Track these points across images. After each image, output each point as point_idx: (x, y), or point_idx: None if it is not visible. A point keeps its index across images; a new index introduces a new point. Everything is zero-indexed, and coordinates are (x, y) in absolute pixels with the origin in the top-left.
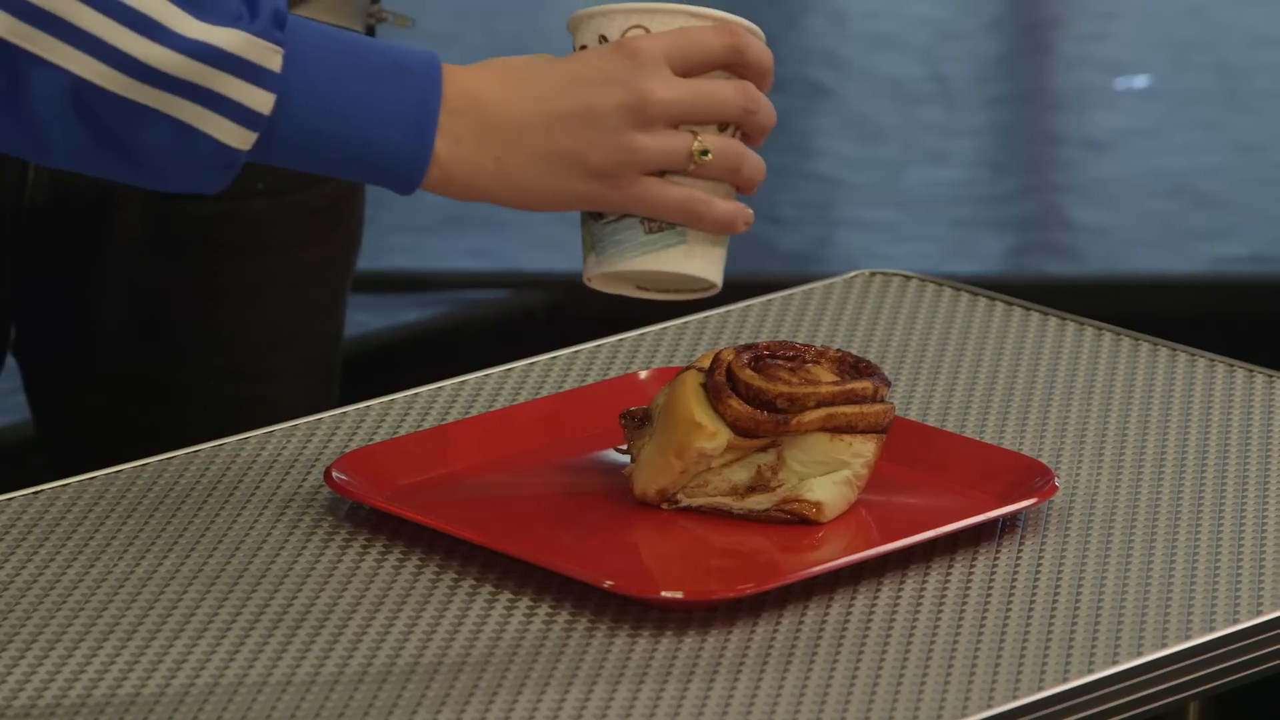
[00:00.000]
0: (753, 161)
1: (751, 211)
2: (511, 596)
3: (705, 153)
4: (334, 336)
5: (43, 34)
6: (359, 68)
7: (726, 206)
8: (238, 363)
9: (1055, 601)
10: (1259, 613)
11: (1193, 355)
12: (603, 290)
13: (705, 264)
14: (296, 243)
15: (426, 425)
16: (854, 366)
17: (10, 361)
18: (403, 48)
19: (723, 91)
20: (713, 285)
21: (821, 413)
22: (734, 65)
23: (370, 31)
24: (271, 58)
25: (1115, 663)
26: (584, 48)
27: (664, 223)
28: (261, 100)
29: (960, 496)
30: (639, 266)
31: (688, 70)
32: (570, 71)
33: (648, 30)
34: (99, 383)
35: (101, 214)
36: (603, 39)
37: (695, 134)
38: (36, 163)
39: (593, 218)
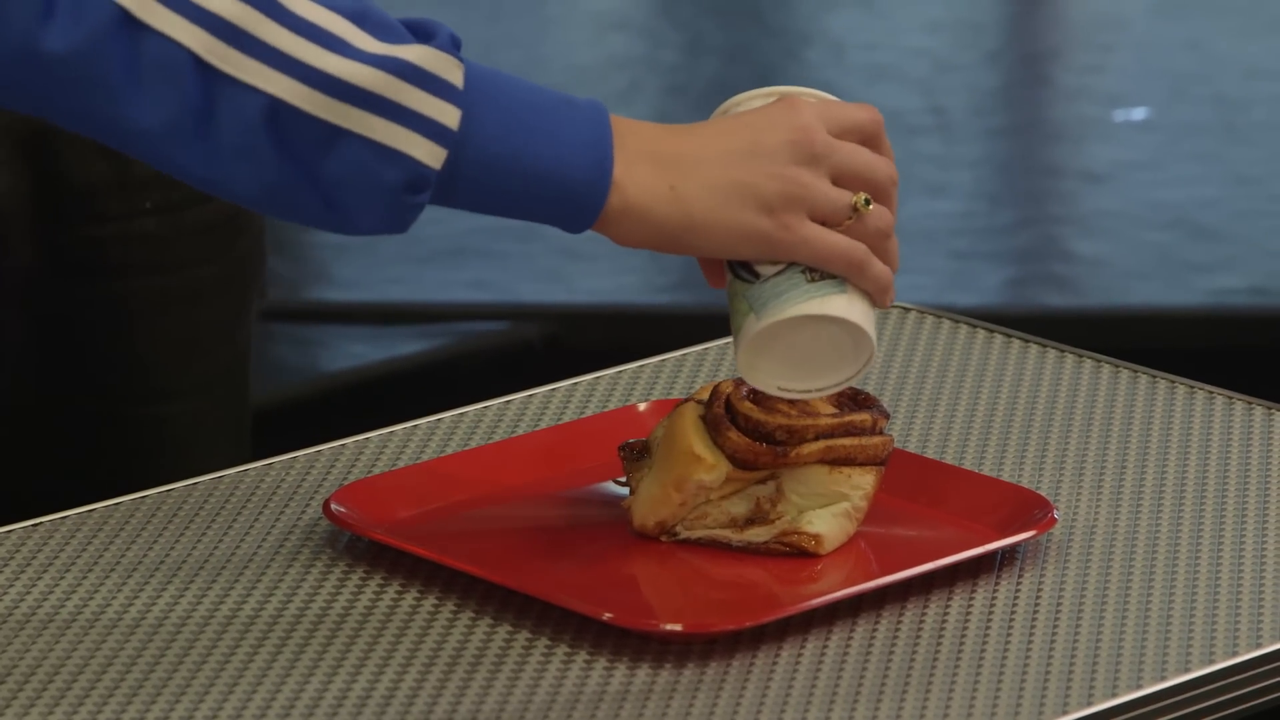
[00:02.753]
0: (895, 241)
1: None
2: (510, 629)
3: (868, 202)
4: (242, 353)
5: (238, 53)
6: (531, 98)
7: (883, 267)
8: (145, 384)
9: (1054, 634)
10: (1258, 645)
11: (1191, 387)
12: (750, 379)
13: (865, 318)
14: (193, 260)
15: (425, 457)
16: (853, 399)
17: None
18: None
19: (873, 157)
20: (869, 349)
21: (820, 445)
22: (875, 139)
23: None
24: (454, 72)
25: (1114, 695)
26: None
27: (825, 274)
28: (449, 114)
29: (959, 529)
30: (803, 311)
31: (837, 135)
32: (733, 120)
33: None
34: (8, 411)
35: None
36: None
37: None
38: (228, 199)
39: (748, 281)
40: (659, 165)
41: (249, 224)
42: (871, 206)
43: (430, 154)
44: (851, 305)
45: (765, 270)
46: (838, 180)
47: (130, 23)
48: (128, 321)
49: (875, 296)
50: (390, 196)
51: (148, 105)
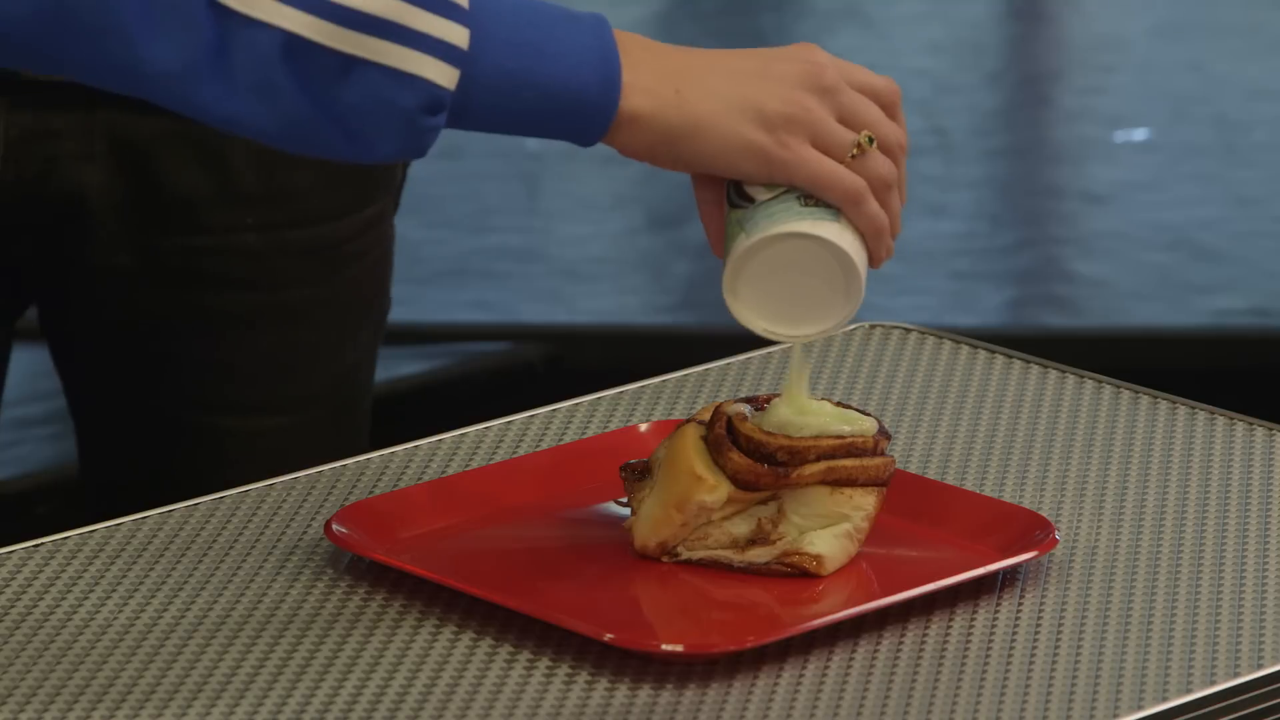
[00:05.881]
0: (897, 200)
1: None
2: (512, 650)
3: (871, 141)
4: (343, 378)
5: None
6: (533, 15)
7: (881, 210)
8: (234, 396)
9: (1056, 655)
10: (1260, 666)
11: (1193, 409)
12: (734, 310)
13: (856, 252)
14: (286, 281)
15: (426, 478)
16: None
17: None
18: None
19: (884, 116)
20: (858, 290)
21: (822, 466)
22: (890, 109)
23: None
24: None
25: (1115, 716)
26: None
27: (821, 203)
28: (458, 34)
29: (960, 549)
30: (792, 228)
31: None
32: (745, 49)
33: None
34: (100, 413)
35: (73, 230)
36: None
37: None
38: (248, 136)
39: (741, 207)
40: (665, 72)
41: (358, 255)
42: (875, 146)
43: (443, 74)
44: (843, 235)
45: (761, 195)
46: (844, 122)
47: None
48: (221, 334)
49: (870, 241)
50: (407, 120)
51: (165, 48)
